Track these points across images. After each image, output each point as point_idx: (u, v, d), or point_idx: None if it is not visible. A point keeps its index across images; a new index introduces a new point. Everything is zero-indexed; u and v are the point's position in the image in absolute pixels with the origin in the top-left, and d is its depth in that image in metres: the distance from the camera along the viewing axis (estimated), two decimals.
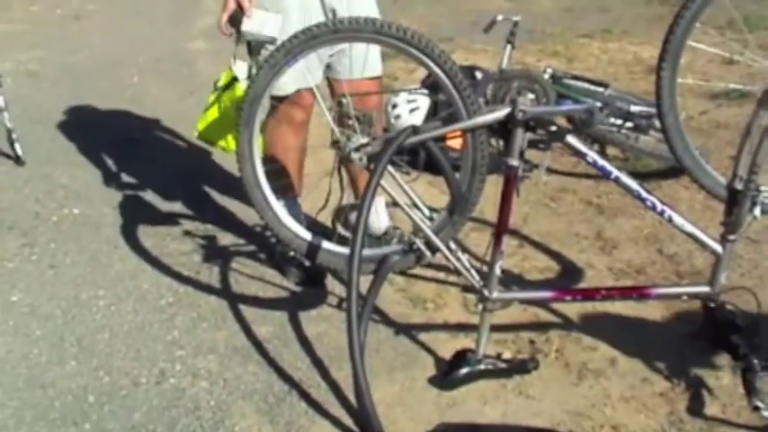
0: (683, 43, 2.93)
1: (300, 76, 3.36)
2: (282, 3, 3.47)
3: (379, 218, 3.97)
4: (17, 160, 5.30)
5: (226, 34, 3.41)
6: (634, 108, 5.10)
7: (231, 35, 3.40)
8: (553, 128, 2.87)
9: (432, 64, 2.88)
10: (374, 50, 3.61)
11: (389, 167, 2.93)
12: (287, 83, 3.42)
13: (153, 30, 9.90)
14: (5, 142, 5.39)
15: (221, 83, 3.57)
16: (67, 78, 7.44)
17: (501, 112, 2.84)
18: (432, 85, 3.63)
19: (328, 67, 3.70)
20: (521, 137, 2.84)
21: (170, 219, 4.58)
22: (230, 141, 3.48)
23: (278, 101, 3.61)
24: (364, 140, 3.00)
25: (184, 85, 7.27)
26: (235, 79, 3.48)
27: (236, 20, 3.34)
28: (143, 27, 10.04)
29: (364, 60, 3.55)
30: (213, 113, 3.54)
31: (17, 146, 5.32)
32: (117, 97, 6.88)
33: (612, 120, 5.11)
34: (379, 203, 3.94)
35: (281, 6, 3.44)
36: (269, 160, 3.57)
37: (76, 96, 6.79)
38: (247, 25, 3.31)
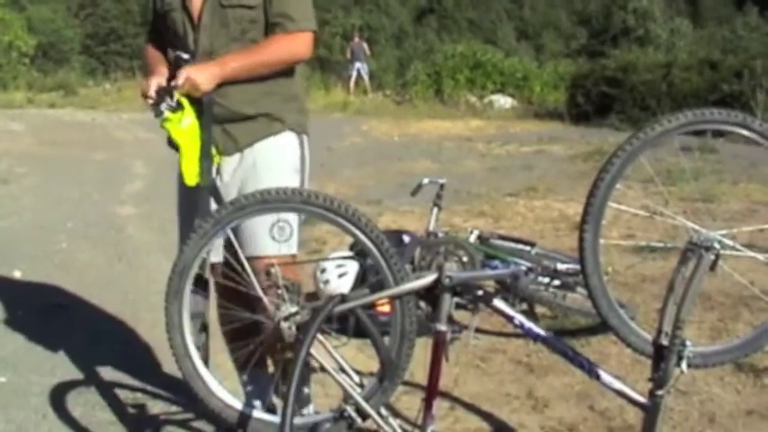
0: (603, 205, 2.99)
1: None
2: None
3: None
4: None
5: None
6: (561, 266, 5.19)
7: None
8: (480, 292, 2.91)
9: (358, 233, 2.92)
10: (260, 229, 3.41)
11: (318, 335, 2.94)
12: None
13: (82, 194, 9.92)
14: None
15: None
16: None
17: (428, 279, 2.89)
18: (360, 251, 3.66)
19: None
20: (448, 302, 2.88)
21: (99, 387, 4.50)
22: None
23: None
24: (293, 309, 3.01)
25: (113, 250, 7.26)
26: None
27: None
28: (72, 191, 10.07)
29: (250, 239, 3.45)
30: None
31: None
32: (45, 263, 6.85)
33: (540, 278, 5.19)
34: None
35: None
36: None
37: (5, 261, 6.73)
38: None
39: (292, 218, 3.39)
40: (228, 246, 3.28)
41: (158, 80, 3.40)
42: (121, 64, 47.39)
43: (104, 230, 8.09)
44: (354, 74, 29.56)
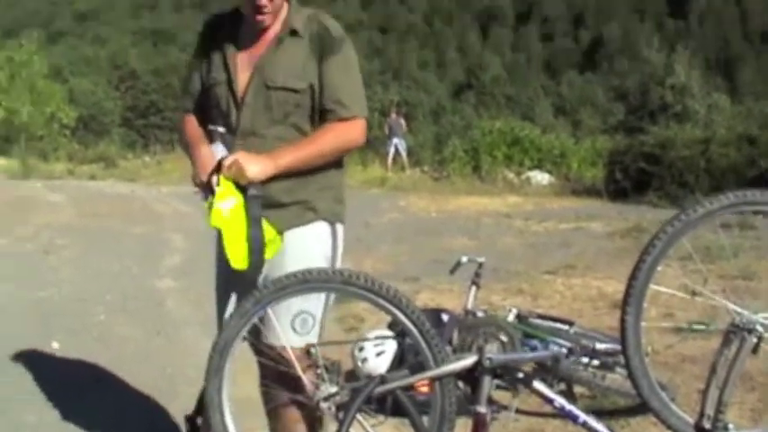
0: (645, 288, 2.98)
1: None
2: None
3: None
4: None
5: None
6: (599, 346, 5.15)
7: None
8: (520, 374, 2.90)
9: (399, 314, 2.93)
10: (282, 319, 3.33)
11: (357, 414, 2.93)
12: None
13: (121, 267, 9.99)
14: None
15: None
16: (34, 314, 7.46)
17: (468, 360, 2.88)
18: (400, 332, 3.66)
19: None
20: (488, 384, 2.86)
21: None
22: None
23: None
24: (333, 389, 3.00)
25: (152, 324, 7.29)
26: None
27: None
28: (111, 264, 10.14)
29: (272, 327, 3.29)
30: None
31: None
32: (83, 335, 6.88)
33: (578, 358, 5.15)
34: None
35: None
36: None
37: (43, 333, 6.77)
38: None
39: (316, 309, 3.39)
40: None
41: (210, 170, 3.34)
42: (161, 137, 48.09)
43: (143, 304, 8.12)
44: (392, 150, 29.67)
